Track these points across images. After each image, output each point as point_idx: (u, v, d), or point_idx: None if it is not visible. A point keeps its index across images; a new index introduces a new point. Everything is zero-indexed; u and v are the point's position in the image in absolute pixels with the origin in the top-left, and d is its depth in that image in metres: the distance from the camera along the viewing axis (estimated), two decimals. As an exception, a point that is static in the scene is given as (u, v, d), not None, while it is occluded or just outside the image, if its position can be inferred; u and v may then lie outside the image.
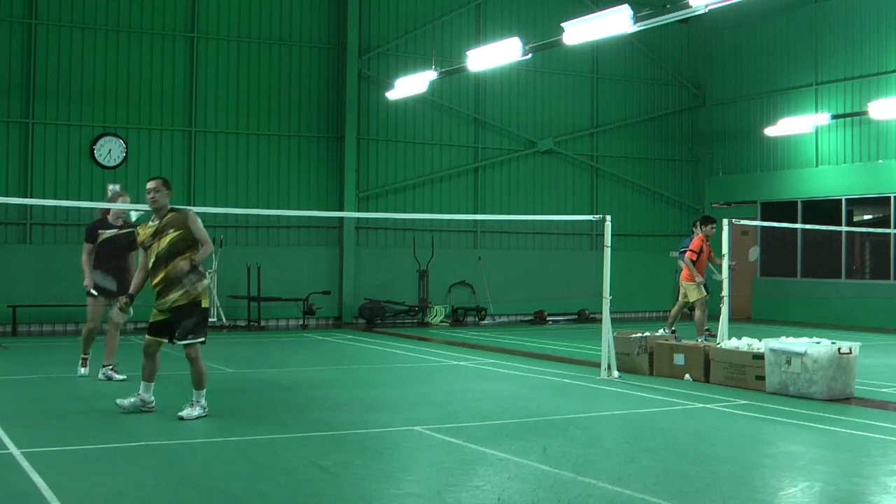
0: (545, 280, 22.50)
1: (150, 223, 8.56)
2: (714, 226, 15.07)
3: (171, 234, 8.39)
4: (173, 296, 8.36)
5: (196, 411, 8.45)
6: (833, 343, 10.21)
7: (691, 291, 15.05)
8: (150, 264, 8.45)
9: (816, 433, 8.34)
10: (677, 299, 17.74)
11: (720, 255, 13.11)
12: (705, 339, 13.67)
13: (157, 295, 8.45)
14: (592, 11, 15.75)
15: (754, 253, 16.89)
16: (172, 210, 8.58)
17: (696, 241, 15.08)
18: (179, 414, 8.41)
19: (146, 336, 8.63)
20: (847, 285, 21.37)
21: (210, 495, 5.99)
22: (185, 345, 8.42)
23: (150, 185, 8.55)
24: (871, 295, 20.80)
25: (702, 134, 25.15)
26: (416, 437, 7.89)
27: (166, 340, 8.59)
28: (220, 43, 20.11)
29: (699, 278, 14.87)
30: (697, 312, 15.10)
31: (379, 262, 21.23)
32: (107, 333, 10.88)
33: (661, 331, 14.74)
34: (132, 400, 8.68)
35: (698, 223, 17.46)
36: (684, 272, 15.23)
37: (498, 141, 22.75)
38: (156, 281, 8.44)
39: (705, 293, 14.98)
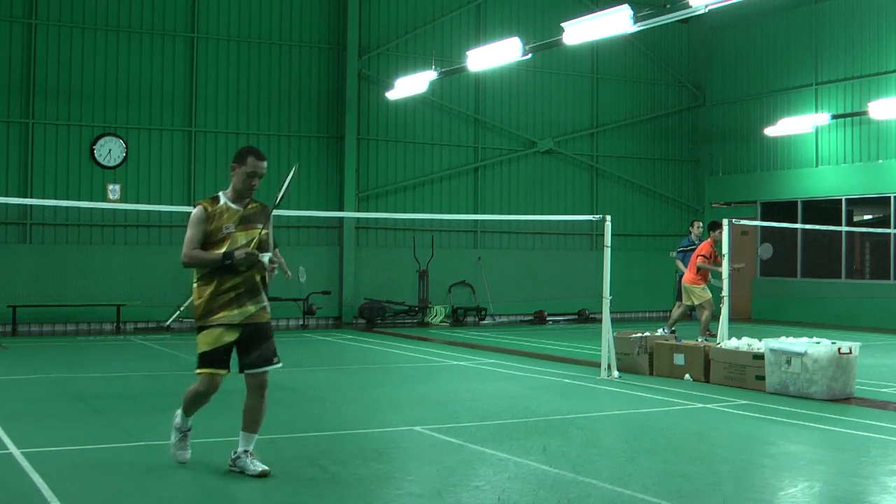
0: (545, 280, 22.50)
1: (229, 203, 6.46)
2: (722, 231, 15.07)
3: (260, 231, 6.48)
4: (251, 308, 6.38)
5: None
6: (833, 343, 10.21)
7: (696, 295, 15.02)
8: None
9: (816, 433, 8.34)
10: (678, 299, 17.75)
11: (721, 257, 13.09)
12: (706, 339, 13.67)
13: (226, 304, 6.35)
14: (592, 11, 15.75)
15: (767, 251, 16.79)
16: (253, 199, 6.65)
17: (706, 247, 15.05)
18: (262, 470, 6.37)
19: (207, 371, 6.35)
20: (847, 285, 21.37)
21: (210, 495, 5.99)
22: (267, 371, 6.45)
23: (263, 166, 6.48)
24: (871, 295, 20.80)
25: (702, 134, 25.14)
26: (416, 437, 7.89)
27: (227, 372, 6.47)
28: (220, 43, 20.12)
29: (721, 270, 14.79)
30: (706, 313, 14.98)
31: (379, 262, 21.23)
32: None
33: (660, 330, 14.74)
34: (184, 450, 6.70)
35: (697, 224, 17.49)
36: (687, 275, 15.20)
37: (498, 141, 22.75)
38: (229, 284, 6.35)
39: (710, 294, 14.96)
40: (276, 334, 6.77)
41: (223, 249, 6.32)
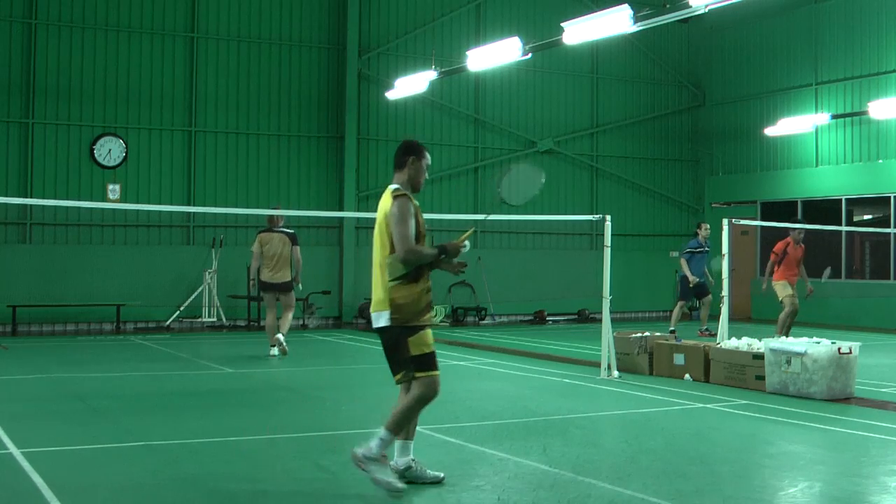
0: (545, 280, 22.48)
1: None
2: (800, 232, 14.84)
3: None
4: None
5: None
6: (833, 343, 10.21)
7: (778, 291, 14.68)
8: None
9: (816, 433, 8.34)
10: (679, 299, 17.74)
11: (720, 254, 12.96)
12: (705, 339, 13.63)
13: (428, 304, 6.07)
14: (592, 11, 15.73)
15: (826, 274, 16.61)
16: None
17: (780, 245, 14.88)
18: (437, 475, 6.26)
19: (433, 373, 6.00)
20: (847, 285, 21.36)
21: (210, 495, 5.99)
22: None
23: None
24: (871, 295, 20.79)
25: (702, 134, 25.13)
26: (416, 437, 7.86)
27: None
28: (220, 43, 20.11)
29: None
30: (783, 312, 14.58)
31: (379, 262, 21.18)
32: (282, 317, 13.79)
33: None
34: (388, 477, 5.93)
35: (704, 226, 17.43)
36: (776, 274, 14.83)
37: (498, 141, 22.75)
38: (429, 283, 6.09)
39: (791, 291, 14.50)
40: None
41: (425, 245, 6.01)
